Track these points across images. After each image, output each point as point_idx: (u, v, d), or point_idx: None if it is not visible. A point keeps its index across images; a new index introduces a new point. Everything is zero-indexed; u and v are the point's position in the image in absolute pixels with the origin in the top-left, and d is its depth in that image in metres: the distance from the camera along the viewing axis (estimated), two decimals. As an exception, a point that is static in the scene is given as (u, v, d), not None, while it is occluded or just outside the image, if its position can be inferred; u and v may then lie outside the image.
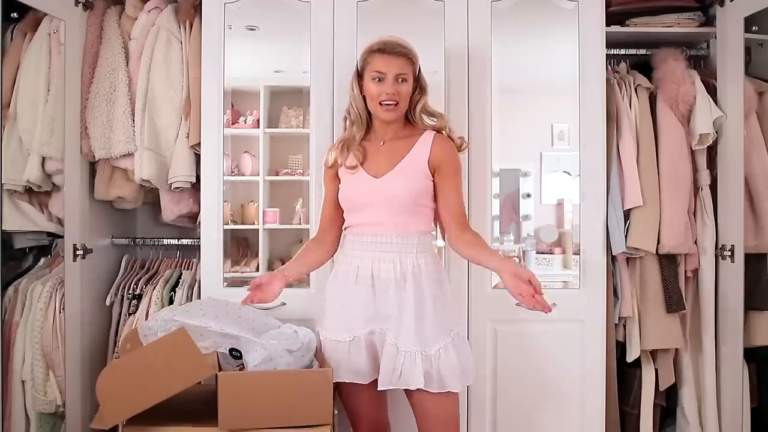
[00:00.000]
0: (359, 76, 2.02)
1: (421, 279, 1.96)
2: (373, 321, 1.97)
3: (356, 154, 2.01)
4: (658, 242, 2.39)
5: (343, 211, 2.08)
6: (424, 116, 2.05)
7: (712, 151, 2.46)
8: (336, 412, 1.93)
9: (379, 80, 1.95)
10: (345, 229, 2.09)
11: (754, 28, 2.37)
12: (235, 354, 1.94)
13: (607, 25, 2.40)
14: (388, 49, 1.96)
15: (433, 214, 2.05)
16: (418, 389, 1.92)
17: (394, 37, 1.99)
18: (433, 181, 2.00)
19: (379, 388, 1.95)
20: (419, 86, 2.03)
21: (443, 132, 2.05)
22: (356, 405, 2.05)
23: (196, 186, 2.46)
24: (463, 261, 2.32)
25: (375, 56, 1.97)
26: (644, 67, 2.57)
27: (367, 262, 1.98)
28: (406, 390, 1.95)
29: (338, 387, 2.01)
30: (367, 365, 1.97)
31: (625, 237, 2.38)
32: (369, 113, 2.04)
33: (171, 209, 2.54)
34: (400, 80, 1.95)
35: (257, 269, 2.59)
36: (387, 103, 1.95)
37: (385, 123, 2.02)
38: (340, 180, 2.07)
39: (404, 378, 1.91)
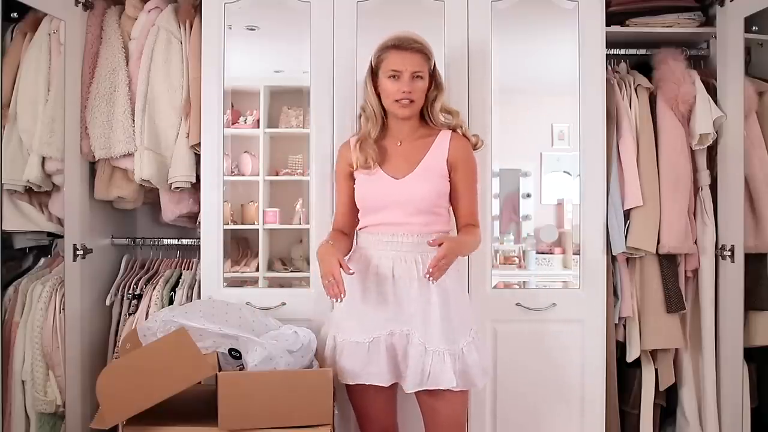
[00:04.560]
0: (373, 73, 2.00)
1: (444, 277, 1.92)
2: (393, 322, 1.94)
3: (372, 154, 1.99)
4: (658, 242, 2.39)
5: (357, 209, 2.06)
6: (440, 114, 2.05)
7: (712, 151, 2.46)
8: (336, 412, 1.93)
9: (395, 77, 1.94)
10: (359, 229, 2.07)
11: (754, 28, 2.37)
12: (235, 354, 1.95)
13: (607, 25, 2.40)
14: (403, 45, 1.94)
15: (449, 213, 2.06)
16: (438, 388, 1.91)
17: (409, 33, 1.97)
18: (449, 179, 2.00)
19: (407, 392, 1.93)
20: (435, 83, 2.02)
21: (459, 131, 2.05)
22: (369, 408, 2.03)
23: (196, 186, 2.46)
24: (463, 261, 2.32)
25: (390, 53, 1.95)
26: (644, 67, 2.57)
27: (387, 261, 1.96)
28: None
29: (350, 390, 2.00)
30: (387, 367, 1.94)
31: (625, 237, 2.38)
32: (384, 111, 2.02)
33: (171, 209, 2.54)
34: (416, 77, 1.94)
35: (257, 269, 2.59)
36: (403, 100, 1.94)
37: (400, 121, 2.01)
38: (354, 179, 2.06)
39: (434, 378, 1.89)
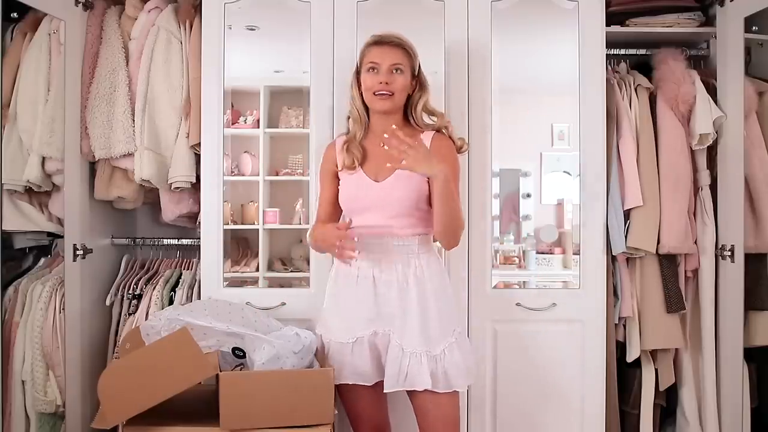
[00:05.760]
0: (358, 73, 2.03)
1: (424, 280, 1.95)
2: (375, 322, 1.96)
3: (355, 154, 2.01)
4: (658, 242, 2.39)
5: (340, 209, 2.08)
6: (424, 115, 2.04)
7: (712, 151, 2.46)
8: (336, 412, 1.93)
9: (374, 70, 1.95)
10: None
11: (754, 28, 2.37)
12: (238, 353, 1.94)
13: (607, 25, 2.40)
14: (382, 40, 1.98)
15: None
16: (416, 389, 1.92)
17: (391, 31, 1.99)
18: (428, 180, 1.97)
19: (385, 391, 1.94)
20: (419, 84, 2.03)
21: (444, 131, 2.04)
22: (357, 406, 2.04)
23: (196, 186, 2.46)
24: (463, 261, 2.33)
25: (371, 49, 1.99)
26: (644, 67, 2.57)
27: (368, 263, 1.98)
28: (407, 390, 1.94)
29: (339, 388, 2.00)
30: (370, 367, 1.96)
31: (625, 237, 2.39)
32: (368, 112, 2.03)
33: (171, 209, 2.54)
34: (395, 71, 1.95)
35: (257, 269, 2.59)
36: (381, 93, 1.94)
37: (383, 119, 2.01)
38: (339, 179, 2.07)
39: (410, 379, 1.90)
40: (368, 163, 2.02)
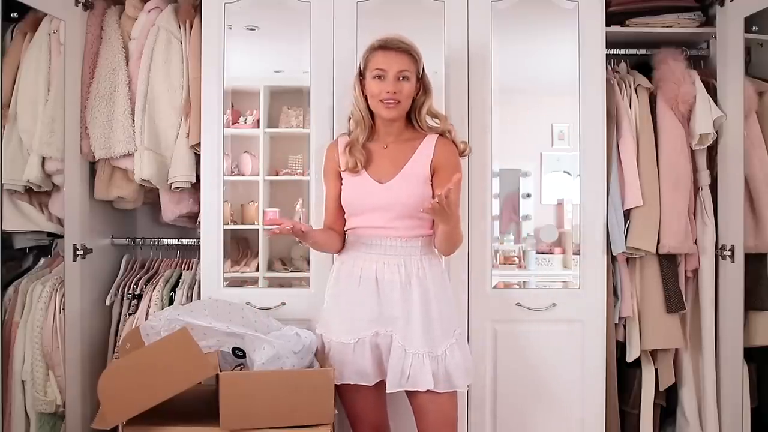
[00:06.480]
0: (361, 75, 2.01)
1: (426, 281, 1.96)
2: (377, 323, 1.96)
3: (359, 157, 2.00)
4: (658, 242, 2.39)
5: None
6: (427, 118, 2.04)
7: (712, 151, 2.46)
8: (336, 412, 1.93)
9: (380, 78, 1.94)
10: (347, 230, 2.08)
11: (754, 28, 2.37)
12: (238, 353, 1.95)
13: (607, 25, 2.40)
14: (389, 45, 1.95)
15: None
16: (418, 390, 1.92)
17: (397, 35, 1.97)
18: (432, 182, 1.99)
19: (388, 391, 1.95)
20: (423, 87, 2.02)
21: (447, 135, 2.04)
22: (357, 407, 2.05)
23: (196, 186, 2.46)
24: (463, 261, 2.33)
25: (376, 53, 1.96)
26: (644, 67, 2.57)
27: (370, 264, 1.98)
28: (406, 390, 1.95)
29: (339, 389, 2.01)
30: (371, 367, 1.97)
31: (625, 237, 2.39)
32: (372, 114, 2.02)
33: (171, 209, 2.54)
34: (401, 78, 1.93)
35: (257, 269, 2.59)
36: (388, 101, 1.94)
37: (387, 123, 2.01)
38: (342, 179, 2.07)
39: (413, 380, 1.91)
40: (372, 165, 2.02)
